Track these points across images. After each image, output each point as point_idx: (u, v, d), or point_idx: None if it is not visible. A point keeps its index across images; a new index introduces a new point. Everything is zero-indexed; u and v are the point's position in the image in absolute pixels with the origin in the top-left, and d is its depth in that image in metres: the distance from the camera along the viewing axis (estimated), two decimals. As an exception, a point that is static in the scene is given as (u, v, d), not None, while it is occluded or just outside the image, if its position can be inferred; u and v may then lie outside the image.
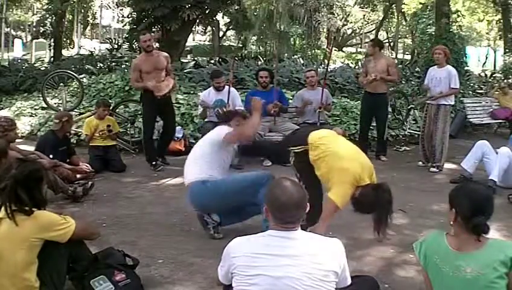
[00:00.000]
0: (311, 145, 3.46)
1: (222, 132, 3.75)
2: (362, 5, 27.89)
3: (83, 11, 23.43)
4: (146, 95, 5.90)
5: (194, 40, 29.19)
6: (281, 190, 2.00)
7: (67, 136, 5.67)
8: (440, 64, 6.12)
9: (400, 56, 22.69)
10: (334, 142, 3.50)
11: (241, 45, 24.40)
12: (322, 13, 19.79)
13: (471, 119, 8.99)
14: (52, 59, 15.17)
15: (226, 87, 6.32)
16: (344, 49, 29.90)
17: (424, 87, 6.50)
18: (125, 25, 15.91)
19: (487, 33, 24.66)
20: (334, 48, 24.07)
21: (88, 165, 5.41)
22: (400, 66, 12.57)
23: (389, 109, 8.08)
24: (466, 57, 11.03)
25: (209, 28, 21.87)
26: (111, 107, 6.65)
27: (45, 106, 8.23)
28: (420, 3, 18.17)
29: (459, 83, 6.25)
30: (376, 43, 6.89)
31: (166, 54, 6.05)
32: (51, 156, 4.88)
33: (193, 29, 17.15)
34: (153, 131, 6.09)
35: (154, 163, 5.91)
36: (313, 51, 20.34)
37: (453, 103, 6.38)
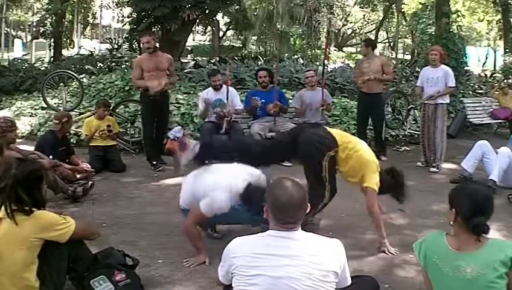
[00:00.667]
0: (341, 146, 3.67)
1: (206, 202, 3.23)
2: (362, 5, 27.90)
3: (83, 11, 23.40)
4: (145, 95, 5.92)
5: (194, 40, 29.20)
6: (281, 190, 2.00)
7: (67, 136, 5.67)
8: (435, 64, 6.17)
9: (400, 56, 22.69)
10: (353, 138, 3.86)
11: (241, 45, 24.42)
12: (322, 13, 19.79)
13: (471, 119, 8.98)
14: (52, 59, 15.18)
15: (225, 86, 6.32)
16: (344, 49, 29.92)
17: (417, 90, 6.54)
18: (125, 24, 15.92)
19: (487, 33, 24.64)
20: (334, 48, 24.12)
21: (88, 164, 5.41)
22: (400, 66, 12.57)
23: (389, 109, 8.10)
24: (466, 57, 11.03)
25: (209, 28, 21.89)
26: (111, 107, 6.65)
27: (45, 106, 8.23)
28: (420, 3, 18.17)
29: (455, 81, 6.30)
30: (369, 43, 6.91)
31: (169, 56, 6.13)
32: (50, 156, 4.87)
33: (193, 29, 17.16)
34: (153, 130, 6.08)
35: (154, 162, 5.92)
36: (313, 51, 20.34)
37: (448, 101, 6.42)
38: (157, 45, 6.09)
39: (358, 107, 6.89)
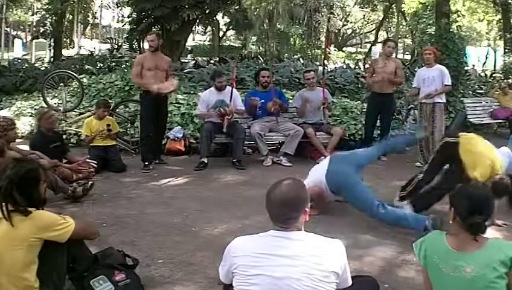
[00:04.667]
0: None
1: None
2: (362, 5, 27.94)
3: (83, 11, 23.45)
4: (145, 94, 5.93)
5: (194, 40, 29.23)
6: (277, 189, 2.00)
7: (58, 132, 5.63)
8: (430, 64, 6.24)
9: (400, 56, 22.71)
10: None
11: (241, 45, 24.45)
12: (322, 13, 19.82)
13: (471, 119, 8.99)
14: (52, 59, 15.19)
15: (228, 87, 6.33)
16: (344, 49, 29.94)
17: (413, 91, 6.59)
18: (124, 24, 15.95)
19: (487, 33, 24.66)
20: (334, 48, 24.15)
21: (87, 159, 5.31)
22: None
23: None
24: (466, 57, 11.02)
25: (209, 28, 21.92)
26: (111, 107, 6.65)
27: (45, 106, 8.22)
28: (420, 3, 18.19)
29: (450, 79, 6.34)
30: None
31: (169, 59, 6.26)
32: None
33: (193, 29, 17.18)
34: (151, 130, 6.06)
35: (146, 163, 5.91)
36: (313, 51, 20.37)
37: (445, 100, 6.46)
38: (160, 43, 6.13)
39: (369, 106, 6.89)
